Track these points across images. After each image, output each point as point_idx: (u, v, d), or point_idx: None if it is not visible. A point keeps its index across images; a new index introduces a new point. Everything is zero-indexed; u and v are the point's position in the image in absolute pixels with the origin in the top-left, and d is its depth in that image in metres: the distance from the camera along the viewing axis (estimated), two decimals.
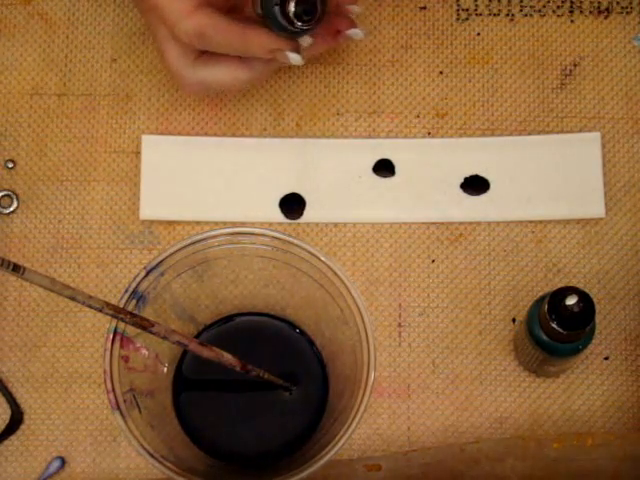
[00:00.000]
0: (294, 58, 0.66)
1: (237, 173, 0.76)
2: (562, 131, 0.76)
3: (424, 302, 0.74)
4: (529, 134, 0.76)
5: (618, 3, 0.78)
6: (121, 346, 0.61)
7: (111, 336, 0.61)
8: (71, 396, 0.72)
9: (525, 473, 0.68)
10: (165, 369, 0.69)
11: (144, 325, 0.59)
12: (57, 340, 0.73)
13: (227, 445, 0.69)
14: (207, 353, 0.63)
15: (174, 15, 0.65)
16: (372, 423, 0.72)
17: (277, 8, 0.64)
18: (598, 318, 0.72)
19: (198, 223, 0.75)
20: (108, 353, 0.61)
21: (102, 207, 0.75)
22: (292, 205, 0.75)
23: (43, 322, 0.73)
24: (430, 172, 0.76)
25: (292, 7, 0.64)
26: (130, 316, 0.59)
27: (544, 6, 0.78)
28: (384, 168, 0.76)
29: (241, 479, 0.68)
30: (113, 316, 0.58)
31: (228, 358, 0.64)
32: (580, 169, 0.75)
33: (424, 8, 0.79)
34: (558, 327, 0.63)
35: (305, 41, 0.67)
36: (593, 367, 0.73)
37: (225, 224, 0.74)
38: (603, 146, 0.76)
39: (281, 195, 0.75)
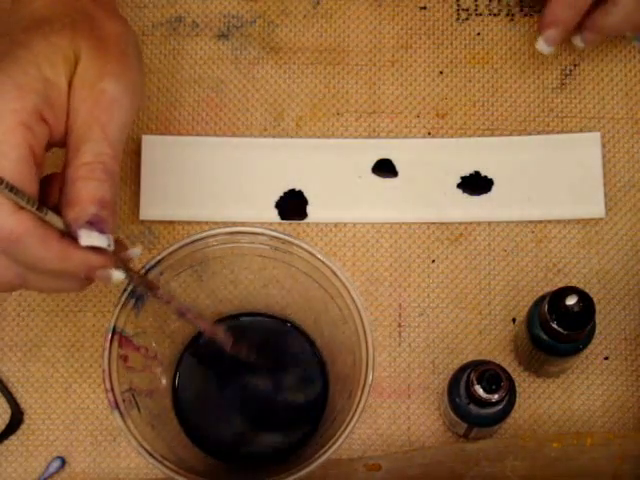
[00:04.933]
0: (117, 276, 0.58)
1: (237, 173, 0.75)
2: (562, 131, 0.76)
3: (424, 302, 0.74)
4: (529, 134, 0.76)
5: None
6: (120, 346, 0.61)
7: (110, 336, 0.61)
8: (71, 396, 0.72)
9: (525, 473, 0.68)
10: (164, 369, 0.69)
11: (151, 287, 0.61)
12: (57, 340, 0.73)
13: (227, 445, 0.69)
14: (203, 324, 0.63)
15: None
16: (372, 423, 0.72)
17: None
18: (598, 318, 0.72)
19: (198, 223, 0.75)
20: (107, 352, 0.61)
21: None
22: (295, 204, 0.75)
23: (43, 322, 0.73)
24: (430, 172, 0.76)
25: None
26: (138, 276, 0.60)
27: (544, 6, 0.78)
28: (384, 168, 0.76)
29: (241, 479, 0.68)
30: (124, 271, 0.59)
31: (221, 335, 0.64)
32: (580, 169, 0.75)
33: (424, 8, 0.79)
34: (558, 327, 0.64)
35: (134, 253, 0.60)
36: (593, 367, 0.73)
37: (225, 224, 0.74)
38: (603, 146, 0.76)
39: (281, 195, 0.75)
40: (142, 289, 0.61)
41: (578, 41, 0.74)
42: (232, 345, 0.65)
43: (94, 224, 0.56)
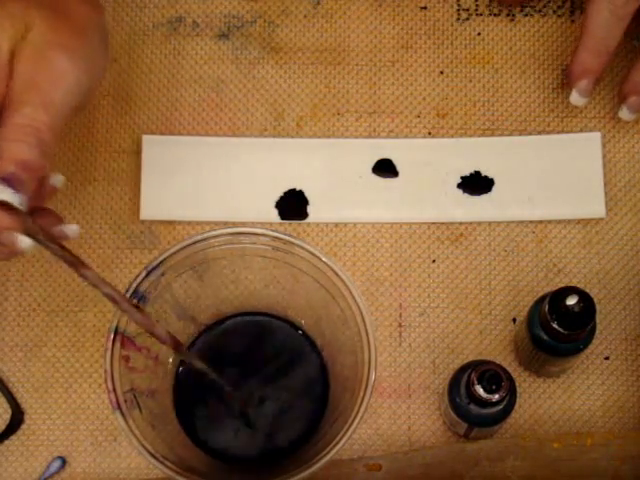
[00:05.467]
0: (25, 242, 0.56)
1: (237, 173, 0.75)
2: (562, 131, 0.77)
3: (424, 302, 0.74)
4: (529, 134, 0.76)
5: None
6: (122, 346, 0.61)
7: (112, 336, 0.61)
8: (72, 396, 0.72)
9: (525, 473, 0.68)
10: (166, 369, 0.69)
11: (74, 262, 0.57)
12: (57, 340, 0.73)
13: (227, 445, 0.69)
14: (139, 318, 0.60)
15: None
16: (372, 423, 0.72)
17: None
18: (598, 318, 0.71)
19: (198, 223, 0.75)
20: (109, 353, 0.61)
21: (102, 207, 0.75)
22: (295, 204, 0.75)
23: (43, 322, 0.73)
24: (430, 172, 0.76)
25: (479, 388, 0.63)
26: (59, 248, 0.57)
27: (544, 6, 0.79)
28: (384, 168, 0.76)
29: (241, 479, 0.68)
30: (38, 239, 0.56)
31: (160, 331, 0.61)
32: (580, 169, 0.75)
33: (424, 8, 0.79)
34: (559, 327, 0.64)
35: (70, 229, 0.59)
36: (593, 367, 0.73)
37: (225, 224, 0.74)
38: (603, 146, 0.76)
39: (281, 195, 0.75)
40: (66, 263, 0.57)
41: (626, 114, 0.73)
42: (173, 345, 0.62)
43: (9, 181, 0.55)
